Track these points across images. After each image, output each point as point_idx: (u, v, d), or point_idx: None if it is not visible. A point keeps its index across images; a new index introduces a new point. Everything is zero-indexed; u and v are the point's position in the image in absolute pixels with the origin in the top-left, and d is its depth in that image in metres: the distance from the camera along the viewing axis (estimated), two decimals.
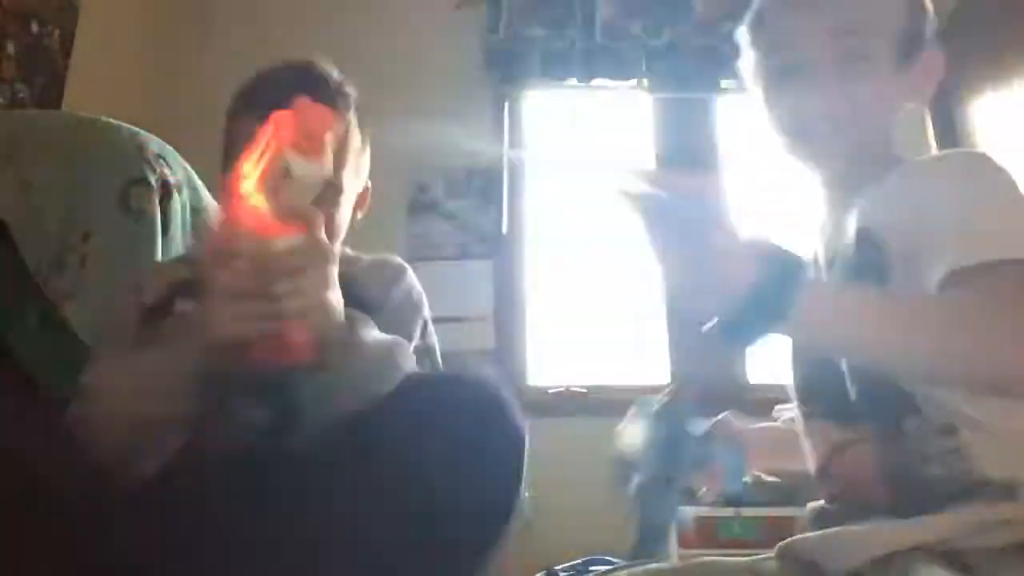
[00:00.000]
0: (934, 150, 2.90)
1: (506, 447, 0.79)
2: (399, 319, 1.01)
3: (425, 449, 0.74)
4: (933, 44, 0.94)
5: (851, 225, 0.86)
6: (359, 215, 1.10)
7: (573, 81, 3.17)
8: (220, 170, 1.02)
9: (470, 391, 0.80)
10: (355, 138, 1.04)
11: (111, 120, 1.21)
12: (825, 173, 0.95)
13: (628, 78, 3.16)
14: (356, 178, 1.06)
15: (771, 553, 0.91)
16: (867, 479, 0.83)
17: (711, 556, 0.97)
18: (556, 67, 3.14)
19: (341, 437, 0.79)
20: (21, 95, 2.06)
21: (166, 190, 1.18)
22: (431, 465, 0.74)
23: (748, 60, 0.97)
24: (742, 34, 0.98)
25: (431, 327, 1.09)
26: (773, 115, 0.94)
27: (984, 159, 0.83)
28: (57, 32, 2.22)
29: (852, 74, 0.86)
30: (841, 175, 0.93)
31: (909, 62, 0.90)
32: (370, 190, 1.12)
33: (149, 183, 1.14)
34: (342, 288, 0.94)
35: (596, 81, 3.15)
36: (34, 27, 2.13)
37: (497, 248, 3.07)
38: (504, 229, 3.10)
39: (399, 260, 1.13)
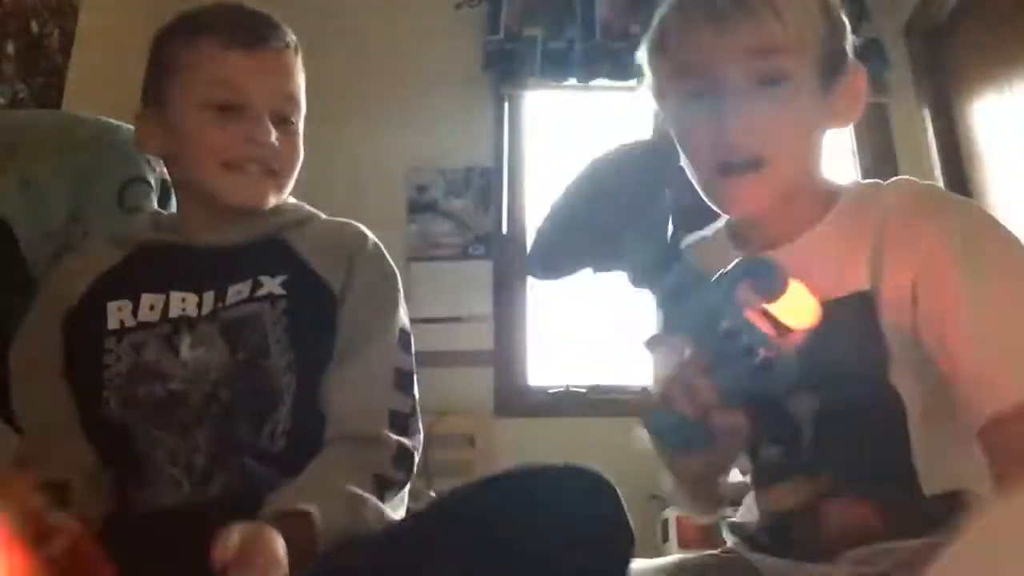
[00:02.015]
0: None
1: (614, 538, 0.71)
2: (374, 301, 0.95)
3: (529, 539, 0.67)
4: (855, 63, 0.85)
5: (832, 268, 0.80)
6: None
7: (573, 81, 3.17)
8: (147, 88, 0.98)
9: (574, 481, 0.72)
10: (303, 79, 0.99)
11: (111, 120, 1.21)
12: (745, 212, 0.86)
13: (628, 78, 3.15)
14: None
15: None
16: (863, 528, 0.77)
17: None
18: (556, 67, 3.14)
19: (440, 525, 0.71)
20: (21, 95, 2.06)
21: (165, 189, 1.19)
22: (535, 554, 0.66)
23: (652, 86, 0.88)
24: (642, 58, 0.88)
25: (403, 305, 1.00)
26: (687, 151, 0.84)
27: (995, 224, 0.76)
28: (57, 32, 2.22)
29: (772, 98, 0.78)
30: (764, 212, 0.84)
31: (832, 83, 0.82)
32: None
33: (147, 181, 1.15)
34: (291, 247, 0.93)
35: (596, 81, 3.15)
36: (34, 27, 2.13)
37: (497, 248, 3.07)
38: (504, 229, 3.10)
39: (358, 227, 1.02)
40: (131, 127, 1.20)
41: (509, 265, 3.07)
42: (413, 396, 0.92)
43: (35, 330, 0.95)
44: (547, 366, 3.01)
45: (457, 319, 2.83)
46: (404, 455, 0.86)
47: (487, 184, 3.13)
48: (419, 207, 3.07)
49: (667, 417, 0.75)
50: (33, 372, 0.92)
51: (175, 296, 0.90)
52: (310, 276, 0.93)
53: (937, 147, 2.95)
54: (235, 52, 0.92)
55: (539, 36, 3.12)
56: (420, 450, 0.90)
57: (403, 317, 0.97)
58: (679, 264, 0.75)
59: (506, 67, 3.16)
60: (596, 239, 0.74)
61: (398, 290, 0.98)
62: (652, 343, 0.76)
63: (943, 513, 0.72)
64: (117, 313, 0.90)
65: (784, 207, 0.83)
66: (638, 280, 0.75)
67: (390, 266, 1.00)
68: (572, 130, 3.35)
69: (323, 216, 1.04)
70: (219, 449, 0.84)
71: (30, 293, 1.01)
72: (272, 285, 0.90)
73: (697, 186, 0.84)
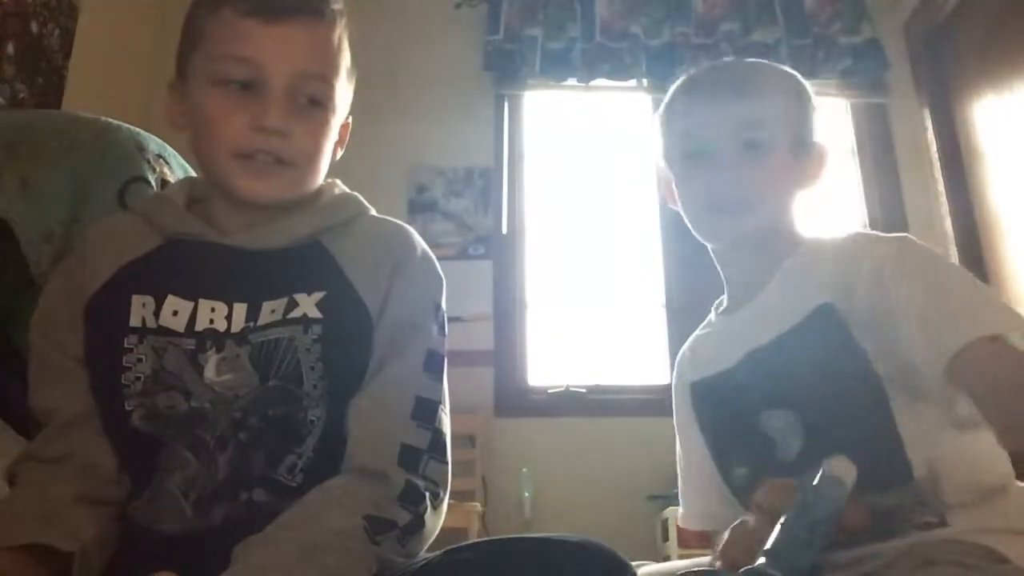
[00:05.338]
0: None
1: None
2: (404, 320, 0.88)
3: None
4: (820, 142, 1.05)
5: (792, 300, 0.94)
6: (339, 153, 0.95)
7: (573, 81, 3.17)
8: (177, 59, 0.91)
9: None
10: (347, 52, 0.90)
11: (111, 120, 1.20)
12: (732, 251, 1.04)
13: (628, 78, 3.16)
14: (346, 98, 0.92)
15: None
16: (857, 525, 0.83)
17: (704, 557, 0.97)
18: (556, 67, 3.14)
19: None
20: (21, 95, 2.06)
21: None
22: None
23: (661, 144, 1.07)
24: (656, 120, 1.08)
25: (444, 315, 0.92)
26: (684, 195, 1.04)
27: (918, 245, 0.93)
28: (57, 32, 2.22)
29: (754, 160, 0.98)
30: (748, 253, 1.02)
31: (802, 154, 1.01)
32: (349, 127, 0.96)
33: (148, 181, 1.14)
34: (326, 243, 0.88)
35: (596, 81, 3.15)
36: (34, 27, 2.13)
37: (497, 248, 3.07)
38: (504, 229, 3.10)
39: (408, 233, 0.95)
40: (131, 127, 1.21)
41: (509, 265, 3.07)
42: (434, 428, 0.83)
43: (58, 310, 0.88)
44: (547, 366, 3.02)
45: (457, 319, 2.83)
46: (412, 494, 0.79)
47: (487, 184, 3.13)
48: (419, 207, 3.08)
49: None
50: (58, 361, 0.86)
51: (204, 304, 0.84)
52: (348, 293, 0.86)
53: (937, 147, 2.96)
54: (255, 21, 0.83)
55: (539, 36, 3.12)
56: (445, 484, 0.83)
57: (435, 337, 0.88)
58: None
59: (506, 67, 3.16)
60: None
61: (435, 307, 0.90)
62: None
63: (932, 496, 0.82)
64: (140, 310, 0.84)
65: (760, 248, 1.00)
66: None
67: (434, 280, 0.92)
68: (572, 130, 3.35)
69: (372, 213, 0.95)
70: (233, 479, 0.80)
71: (31, 294, 1.01)
72: (308, 305, 0.84)
73: (689, 223, 1.04)
